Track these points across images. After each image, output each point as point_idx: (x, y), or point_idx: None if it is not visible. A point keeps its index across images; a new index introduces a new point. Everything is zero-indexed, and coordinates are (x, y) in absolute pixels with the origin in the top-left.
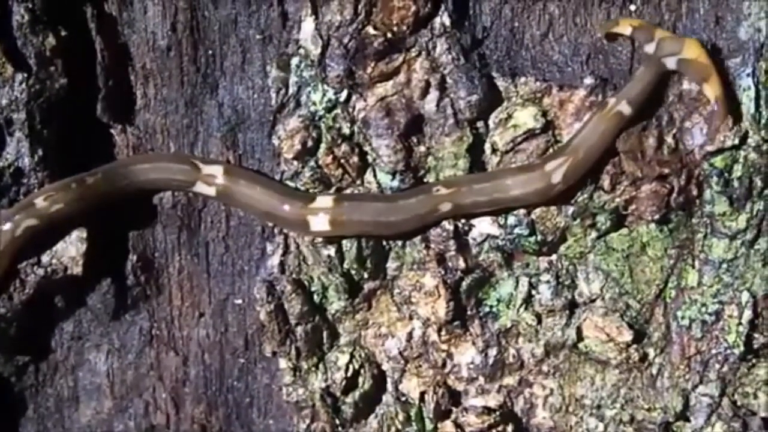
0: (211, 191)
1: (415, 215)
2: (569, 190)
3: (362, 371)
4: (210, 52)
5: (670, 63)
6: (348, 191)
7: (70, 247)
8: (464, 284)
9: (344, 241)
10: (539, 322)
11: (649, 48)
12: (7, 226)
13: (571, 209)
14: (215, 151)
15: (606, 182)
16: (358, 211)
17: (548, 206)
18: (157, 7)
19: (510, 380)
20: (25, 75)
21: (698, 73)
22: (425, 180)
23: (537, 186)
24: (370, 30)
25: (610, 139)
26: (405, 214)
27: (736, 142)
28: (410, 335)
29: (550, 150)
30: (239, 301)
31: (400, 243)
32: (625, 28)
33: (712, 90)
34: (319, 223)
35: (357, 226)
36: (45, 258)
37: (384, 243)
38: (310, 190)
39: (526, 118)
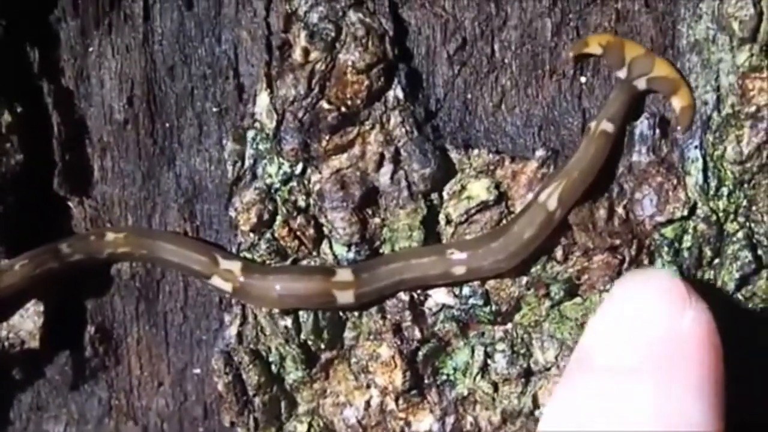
0: (227, 287)
1: (428, 275)
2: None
3: None
4: (167, 124)
5: (641, 84)
6: (305, 263)
7: (27, 321)
8: (420, 353)
9: (301, 312)
10: (496, 390)
11: (621, 73)
12: (29, 264)
13: (524, 279)
14: (173, 223)
15: (559, 253)
16: (377, 279)
17: (501, 279)
18: (113, 81)
19: None
20: None
21: (668, 88)
22: (381, 251)
23: (539, 219)
24: (324, 104)
25: (602, 157)
26: (418, 273)
27: (686, 213)
28: (368, 404)
29: (503, 221)
30: (198, 371)
31: (356, 313)
32: (594, 48)
33: (681, 100)
34: (346, 296)
35: (377, 293)
36: (2, 332)
37: (341, 313)
38: (267, 262)
39: (480, 190)
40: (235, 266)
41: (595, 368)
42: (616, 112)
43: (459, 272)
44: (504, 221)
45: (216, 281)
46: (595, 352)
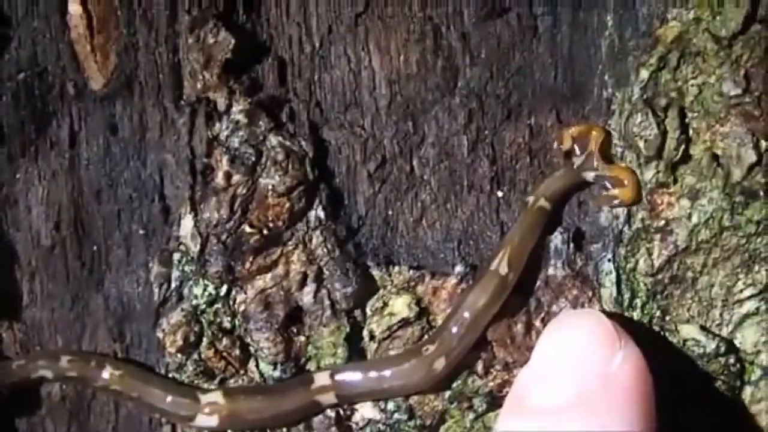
0: (212, 421)
1: (411, 383)
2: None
3: None
4: (94, 247)
5: (589, 176)
6: (232, 382)
7: None
8: None
9: None
10: None
11: (577, 160)
12: (25, 367)
13: (447, 394)
14: (102, 343)
15: (479, 367)
16: (355, 386)
17: (425, 394)
18: (40, 206)
19: None
20: None
21: (612, 182)
22: (307, 368)
23: (492, 287)
24: (247, 228)
25: (538, 229)
26: (400, 380)
27: None
28: None
29: (425, 336)
30: None
31: (285, 430)
32: (568, 142)
33: (622, 194)
34: (329, 399)
35: (361, 398)
36: None
37: None
38: (195, 383)
39: (401, 306)
40: (217, 396)
41: (528, 409)
42: (554, 192)
43: (439, 366)
44: (425, 336)
45: (200, 420)
46: (529, 393)
